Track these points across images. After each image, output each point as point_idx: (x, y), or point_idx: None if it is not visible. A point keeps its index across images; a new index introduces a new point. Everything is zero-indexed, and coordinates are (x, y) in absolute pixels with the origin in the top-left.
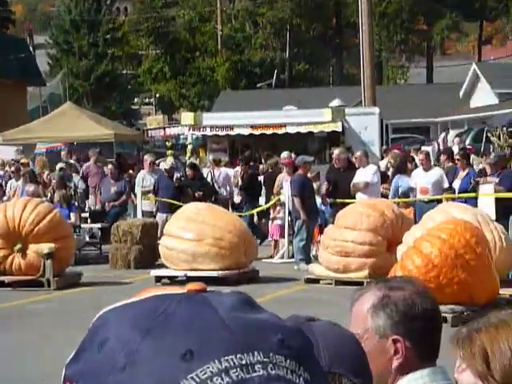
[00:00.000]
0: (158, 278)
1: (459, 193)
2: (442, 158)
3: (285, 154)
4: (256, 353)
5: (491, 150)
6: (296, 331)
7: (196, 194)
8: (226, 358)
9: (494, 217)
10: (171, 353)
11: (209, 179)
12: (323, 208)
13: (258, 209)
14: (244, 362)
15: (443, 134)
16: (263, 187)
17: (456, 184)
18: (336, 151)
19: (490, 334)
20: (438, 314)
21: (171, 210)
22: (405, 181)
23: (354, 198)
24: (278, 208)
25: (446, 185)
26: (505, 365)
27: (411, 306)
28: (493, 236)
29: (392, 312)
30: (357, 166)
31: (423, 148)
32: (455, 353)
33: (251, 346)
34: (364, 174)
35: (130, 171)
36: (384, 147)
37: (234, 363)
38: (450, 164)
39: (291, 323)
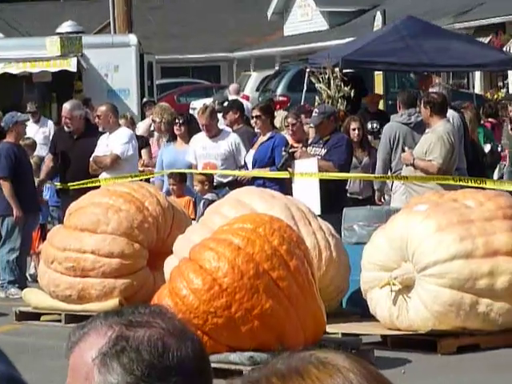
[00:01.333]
0: None
1: (258, 169)
2: (230, 115)
3: None
4: None
5: (315, 104)
6: None
7: None
8: None
9: (317, 210)
10: None
11: None
12: (47, 197)
13: None
14: None
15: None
16: None
17: (249, 156)
18: (67, 106)
19: None
20: (205, 364)
21: None
22: (178, 152)
23: (95, 181)
24: None
25: (242, 157)
26: None
27: (162, 353)
28: (316, 241)
29: (131, 362)
30: (100, 129)
31: (203, 102)
32: None
33: None
34: (112, 142)
35: None
36: (146, 99)
37: None
38: (241, 126)
39: None
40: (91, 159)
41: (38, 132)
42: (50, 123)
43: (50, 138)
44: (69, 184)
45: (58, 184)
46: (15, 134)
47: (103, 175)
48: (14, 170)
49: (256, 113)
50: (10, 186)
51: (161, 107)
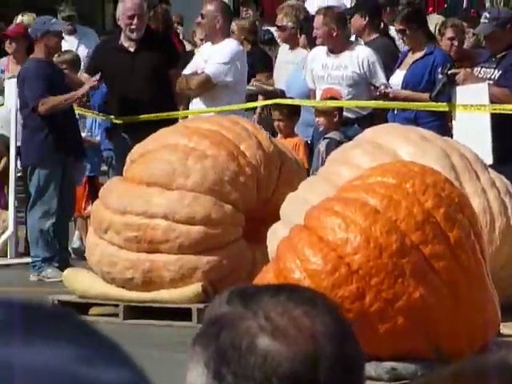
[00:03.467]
0: None
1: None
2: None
3: (23, 18)
4: None
5: (486, 5)
6: None
7: None
8: None
9: (489, 159)
10: None
11: None
12: (98, 137)
13: None
14: None
15: None
16: None
17: (397, 78)
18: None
19: None
20: (360, 365)
21: None
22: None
23: (171, 114)
24: None
25: (380, 79)
26: None
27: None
28: (487, 203)
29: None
30: (201, 36)
31: None
32: None
33: None
34: (212, 56)
35: None
36: None
37: None
38: (376, 36)
39: None
40: (182, 74)
41: (80, 47)
42: (94, 35)
43: None
44: (141, 116)
45: (113, 118)
46: (45, 47)
47: (196, 105)
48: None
49: (399, 26)
50: (50, 104)
51: (292, 6)
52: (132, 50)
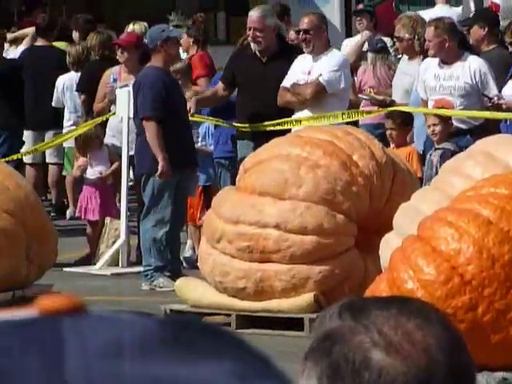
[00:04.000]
0: None
1: None
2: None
3: (134, 26)
4: None
5: None
6: None
7: None
8: None
9: None
10: None
11: None
12: (211, 146)
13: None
14: None
15: None
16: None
17: (510, 89)
18: (255, 13)
19: None
20: (472, 376)
21: None
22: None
23: (280, 123)
24: (103, 148)
25: (493, 90)
26: None
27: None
28: None
29: None
30: (305, 49)
31: (431, 12)
32: None
33: None
34: (319, 68)
35: None
36: (362, 6)
37: None
38: (493, 47)
39: None
40: (282, 87)
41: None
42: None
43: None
44: (263, 124)
45: (238, 125)
46: (164, 55)
47: (300, 113)
48: (163, 106)
49: (510, 38)
50: (155, 128)
51: (409, 17)
52: (264, 60)
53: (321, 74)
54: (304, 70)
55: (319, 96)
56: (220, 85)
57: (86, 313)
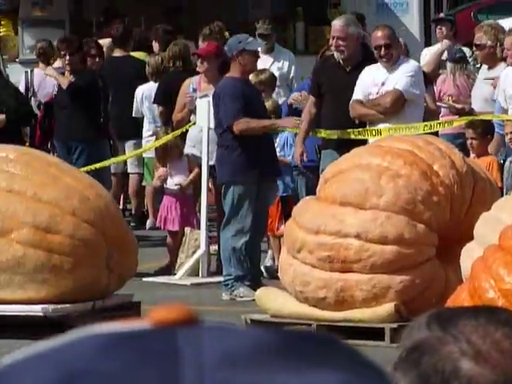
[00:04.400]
0: None
1: None
2: None
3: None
4: None
5: None
6: None
7: None
8: None
9: None
10: None
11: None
12: (289, 157)
13: (124, 157)
14: None
15: None
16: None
17: None
18: (338, 22)
19: None
20: None
21: None
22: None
23: (362, 132)
24: (182, 158)
25: None
26: None
27: None
28: None
29: None
30: (385, 63)
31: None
32: None
33: None
34: (393, 78)
35: None
36: (443, 14)
37: None
38: None
39: None
40: (355, 99)
41: (273, 66)
42: (291, 56)
43: (290, 75)
44: (351, 130)
45: (323, 132)
46: (241, 65)
47: (381, 125)
48: (244, 115)
49: None
50: (244, 122)
51: (490, 25)
52: (347, 69)
53: (396, 83)
54: (376, 82)
55: (398, 103)
56: (311, 99)
57: (200, 323)
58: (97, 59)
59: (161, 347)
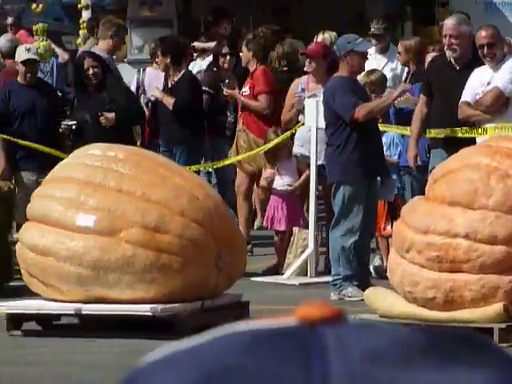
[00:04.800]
0: (14, 321)
1: None
2: None
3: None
4: None
5: None
6: None
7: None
8: None
9: None
10: None
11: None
12: (395, 156)
13: (232, 159)
14: None
15: None
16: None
17: None
18: (451, 20)
19: None
20: None
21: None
22: None
23: (469, 130)
24: (291, 158)
25: None
26: None
27: None
28: None
29: None
30: (490, 63)
31: None
32: None
33: None
34: (497, 76)
35: None
36: None
37: None
38: None
39: None
40: (463, 101)
41: (387, 66)
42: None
43: (403, 74)
44: (458, 128)
45: (434, 132)
46: (348, 65)
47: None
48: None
49: None
50: (366, 106)
51: None
52: (458, 67)
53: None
54: (483, 82)
55: (498, 101)
56: (422, 98)
57: (346, 321)
58: (227, 57)
59: (308, 344)
